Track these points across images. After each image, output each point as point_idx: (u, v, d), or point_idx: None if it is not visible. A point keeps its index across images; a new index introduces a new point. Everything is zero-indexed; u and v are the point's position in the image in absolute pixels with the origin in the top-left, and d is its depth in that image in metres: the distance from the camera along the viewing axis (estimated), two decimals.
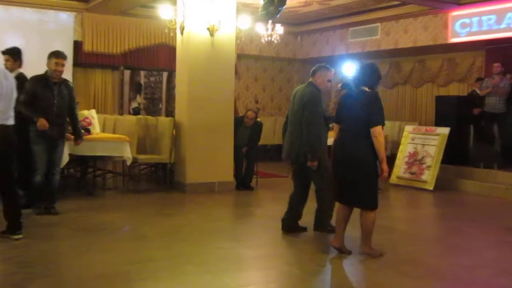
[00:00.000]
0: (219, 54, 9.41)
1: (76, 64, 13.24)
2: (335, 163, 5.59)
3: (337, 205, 5.81)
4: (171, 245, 5.86)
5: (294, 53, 16.03)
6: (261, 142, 10.67)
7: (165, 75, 15.09)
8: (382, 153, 5.33)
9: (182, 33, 9.41)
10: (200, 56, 9.31)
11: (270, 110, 16.17)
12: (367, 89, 5.44)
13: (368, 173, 5.40)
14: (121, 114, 13.37)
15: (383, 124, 5.36)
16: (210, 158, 9.31)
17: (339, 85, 10.34)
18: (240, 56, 14.32)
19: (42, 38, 12.71)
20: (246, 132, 9.92)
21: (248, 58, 15.58)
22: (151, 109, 15.21)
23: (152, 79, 15.96)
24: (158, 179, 10.29)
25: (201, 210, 8.00)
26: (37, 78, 7.14)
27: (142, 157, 9.38)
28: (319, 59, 15.73)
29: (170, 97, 14.97)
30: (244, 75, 15.73)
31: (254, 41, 14.82)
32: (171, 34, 10.01)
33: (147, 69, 14.74)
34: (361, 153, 5.36)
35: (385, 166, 5.38)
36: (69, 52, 13.07)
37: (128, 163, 8.83)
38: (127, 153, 8.56)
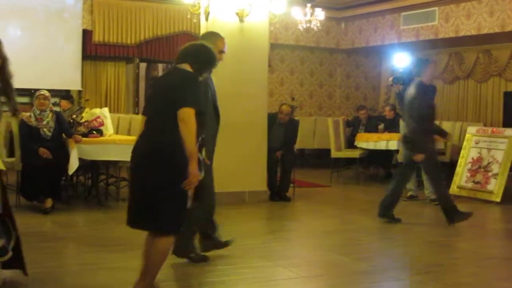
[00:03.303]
0: (250, 43, 9.46)
1: (85, 56, 13.45)
2: (131, 167, 4.73)
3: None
4: (194, 264, 5.92)
5: (337, 42, 16.05)
6: (298, 146, 10.71)
7: None
8: (191, 146, 4.31)
9: (206, 19, 9.49)
10: (228, 46, 9.26)
11: (309, 108, 16.21)
12: (189, 68, 4.69)
13: (176, 179, 4.37)
14: (137, 113, 13.53)
15: (196, 108, 4.40)
16: (240, 164, 9.36)
17: (390, 78, 10.33)
18: (273, 46, 14.38)
19: (47, 28, 12.95)
20: (280, 131, 9.97)
21: (283, 48, 15.64)
22: None
23: None
24: None
25: (229, 224, 8.03)
26: None
27: None
28: (366, 49, 15.77)
29: None
30: (278, 68, 15.79)
31: (290, 28, 14.88)
32: (194, 21, 10.11)
33: (166, 61, 14.88)
34: (167, 149, 4.39)
35: (194, 167, 4.34)
36: (77, 43, 13.34)
37: (199, 174, 8.92)
38: None
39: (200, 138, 4.59)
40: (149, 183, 4.42)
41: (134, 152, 4.61)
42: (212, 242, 6.11)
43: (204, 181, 4.83)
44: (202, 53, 4.83)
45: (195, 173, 4.34)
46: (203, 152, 4.76)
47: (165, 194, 4.39)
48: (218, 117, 5.91)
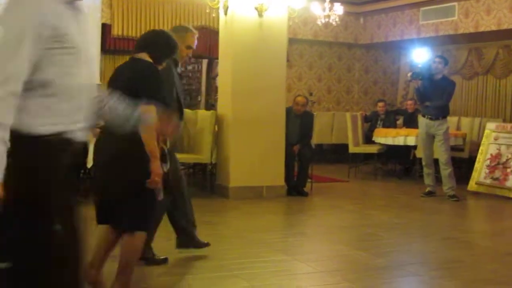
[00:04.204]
0: (269, 38, 9.47)
1: (104, 50, 13.49)
2: (95, 164, 4.71)
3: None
4: (213, 257, 5.94)
5: (356, 37, 15.99)
6: (316, 141, 10.72)
7: (204, 63, 15.24)
8: (150, 144, 4.17)
9: (225, 14, 9.51)
10: (247, 41, 9.39)
11: (327, 104, 16.17)
12: (148, 58, 4.49)
13: (137, 178, 4.26)
14: None
15: (155, 103, 4.09)
16: (258, 158, 9.38)
17: (409, 74, 10.28)
18: (292, 41, 14.37)
19: None
20: (296, 123, 9.98)
21: (301, 43, 15.61)
22: (188, 102, 15.37)
23: (189, 67, 16.13)
24: (197, 182, 10.42)
25: (246, 218, 8.09)
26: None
27: (179, 157, 9.44)
28: (385, 44, 15.71)
29: (210, 88, 15.12)
30: (297, 63, 15.76)
31: (309, 23, 14.85)
32: (213, 15, 10.13)
33: None
34: (127, 147, 4.23)
35: (155, 165, 4.23)
36: (96, 36, 13.37)
37: (160, 172, 8.93)
38: None
39: None
40: (112, 181, 4.35)
41: (97, 151, 4.53)
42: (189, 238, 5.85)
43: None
44: (160, 40, 4.61)
45: (156, 172, 4.21)
46: (167, 144, 4.67)
47: (129, 191, 4.28)
48: (181, 112, 5.50)
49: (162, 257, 5.66)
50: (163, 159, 4.39)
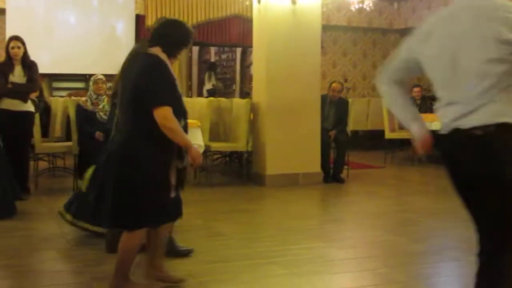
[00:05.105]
0: (302, 25, 9.43)
1: (138, 41, 13.55)
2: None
3: None
4: (250, 244, 5.95)
5: (390, 23, 15.86)
6: (352, 128, 10.65)
7: (238, 51, 15.25)
8: (182, 139, 4.17)
9: (259, 2, 9.48)
10: (280, 28, 9.36)
11: (362, 90, 16.08)
12: (160, 52, 4.21)
13: (142, 178, 4.15)
14: (190, 96, 13.63)
15: (170, 101, 4.10)
16: (294, 146, 9.36)
17: None
18: (325, 27, 14.28)
19: (100, 14, 13.09)
20: (332, 109, 9.94)
21: (335, 30, 15.53)
22: (223, 91, 15.42)
23: (223, 56, 16.17)
24: (233, 170, 10.43)
25: (283, 206, 8.08)
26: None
27: (215, 145, 9.52)
28: None
29: (245, 77, 15.14)
30: (331, 50, 15.69)
31: (342, 9, 14.77)
32: (246, 3, 10.12)
33: (218, 45, 14.93)
34: (132, 147, 4.17)
35: (193, 152, 4.27)
36: (130, 27, 13.46)
37: (200, 151, 8.98)
38: (199, 141, 8.68)
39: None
40: (111, 178, 4.18)
41: (108, 149, 4.37)
42: None
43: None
44: (173, 32, 4.29)
45: (197, 156, 4.34)
46: None
47: (136, 193, 4.14)
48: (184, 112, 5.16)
49: (186, 249, 5.54)
50: (180, 155, 4.32)
